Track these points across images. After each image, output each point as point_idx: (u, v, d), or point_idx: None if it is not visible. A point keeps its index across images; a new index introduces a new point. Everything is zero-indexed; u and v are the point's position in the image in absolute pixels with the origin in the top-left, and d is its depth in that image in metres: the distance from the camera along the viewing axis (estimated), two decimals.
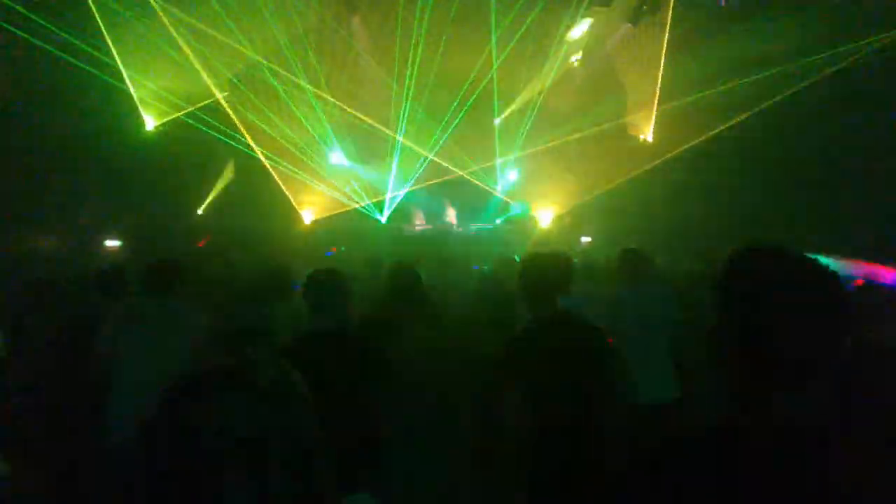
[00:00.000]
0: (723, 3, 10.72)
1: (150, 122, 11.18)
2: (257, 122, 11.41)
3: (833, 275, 1.13)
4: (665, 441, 1.21)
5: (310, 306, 3.21)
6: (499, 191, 13.27)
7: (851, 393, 1.98)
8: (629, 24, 11.73)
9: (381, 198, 12.93)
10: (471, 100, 11.67)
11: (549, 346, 2.71)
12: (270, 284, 5.30)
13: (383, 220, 13.00)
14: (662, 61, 11.61)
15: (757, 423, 1.10)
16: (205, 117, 11.11)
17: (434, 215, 13.34)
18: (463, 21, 10.33)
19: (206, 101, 11.19)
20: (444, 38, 10.49)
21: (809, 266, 1.14)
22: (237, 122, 11.35)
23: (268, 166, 11.65)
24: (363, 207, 12.91)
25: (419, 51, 10.74)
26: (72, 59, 9.16)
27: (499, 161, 13.10)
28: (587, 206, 12.52)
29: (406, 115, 11.62)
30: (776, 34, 9.87)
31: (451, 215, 13.09)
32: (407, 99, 11.42)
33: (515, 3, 10.15)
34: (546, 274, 3.04)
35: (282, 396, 0.95)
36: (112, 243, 10.48)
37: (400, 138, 11.90)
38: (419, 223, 13.23)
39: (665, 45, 11.41)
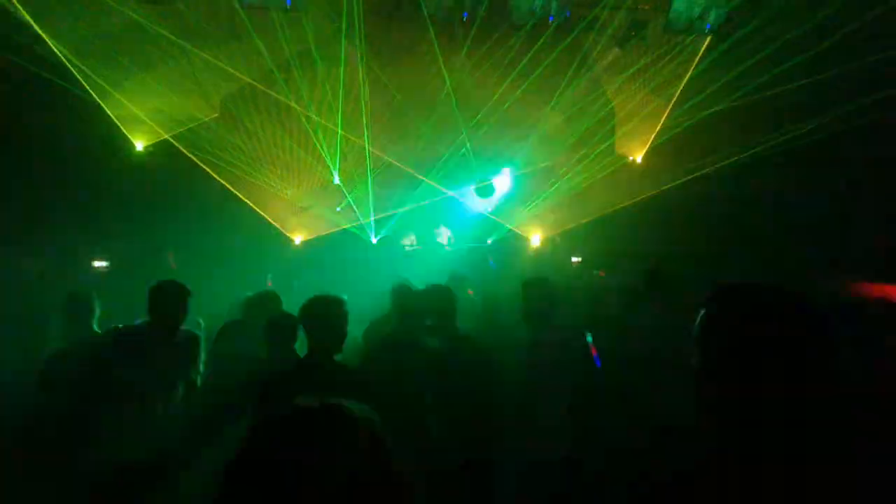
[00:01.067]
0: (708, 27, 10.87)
1: (140, 143, 11.18)
2: (248, 142, 11.42)
3: (808, 307, 1.12)
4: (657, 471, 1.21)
5: (306, 333, 3.29)
6: (489, 211, 13.33)
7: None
8: (617, 48, 11.92)
9: (370, 218, 12.92)
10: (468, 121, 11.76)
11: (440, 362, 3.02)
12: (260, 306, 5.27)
13: (374, 240, 12.99)
14: (651, 85, 11.80)
15: (743, 455, 1.10)
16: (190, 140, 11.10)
17: (424, 236, 13.34)
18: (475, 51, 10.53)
19: (197, 122, 11.20)
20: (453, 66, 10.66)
21: (786, 302, 1.13)
22: (225, 144, 11.35)
23: (235, 193, 11.55)
24: (353, 228, 12.89)
25: (427, 76, 10.87)
26: (61, 82, 9.16)
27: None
28: (578, 227, 12.60)
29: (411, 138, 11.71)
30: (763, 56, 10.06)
31: (440, 235, 13.10)
32: (407, 124, 11.51)
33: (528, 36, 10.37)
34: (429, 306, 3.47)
35: (374, 428, 1.00)
36: (100, 264, 10.37)
37: (410, 169, 11.96)
38: (409, 243, 13.22)
39: (654, 69, 11.60)
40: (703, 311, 1.25)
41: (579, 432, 3.66)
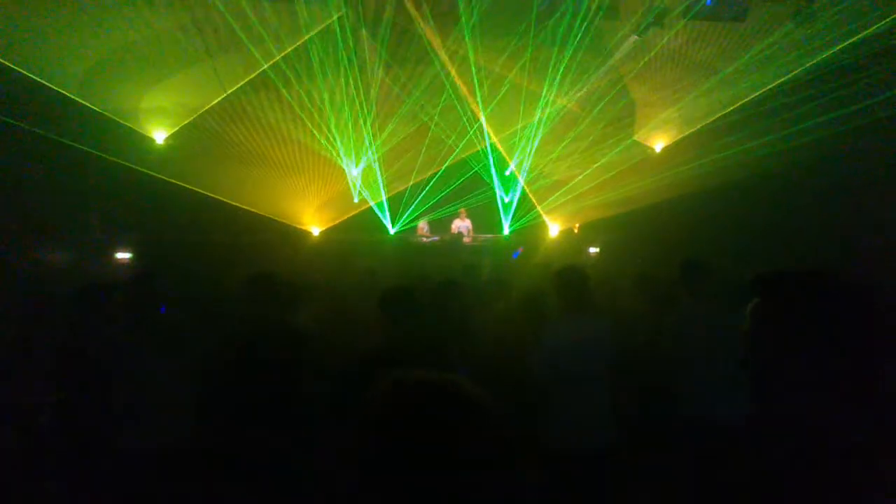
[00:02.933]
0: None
1: (160, 136, 11.24)
2: (264, 122, 11.38)
3: (862, 290, 1.12)
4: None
5: None
6: (510, 199, 13.26)
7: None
8: (636, 36, 11.79)
9: (391, 194, 12.90)
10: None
11: None
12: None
13: (392, 230, 12.92)
14: (669, 73, 11.69)
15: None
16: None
17: (442, 225, 13.24)
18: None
19: (209, 104, 11.17)
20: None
21: (837, 286, 1.13)
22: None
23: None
24: (372, 208, 12.80)
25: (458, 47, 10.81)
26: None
27: (511, 168, 13.12)
28: (597, 217, 12.55)
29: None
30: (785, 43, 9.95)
31: (459, 226, 12.99)
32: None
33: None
34: None
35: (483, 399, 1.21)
36: (123, 255, 10.46)
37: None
38: (426, 234, 13.11)
39: (672, 57, 11.50)
40: (753, 301, 1.23)
41: (618, 423, 3.63)
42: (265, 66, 10.63)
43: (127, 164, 10.15)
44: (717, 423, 3.32)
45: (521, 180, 13.03)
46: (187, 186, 10.88)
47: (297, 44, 10.64)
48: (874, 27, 8.75)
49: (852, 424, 1.14)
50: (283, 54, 10.63)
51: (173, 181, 10.70)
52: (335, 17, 10.49)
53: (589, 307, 3.74)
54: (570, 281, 3.76)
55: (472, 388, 1.22)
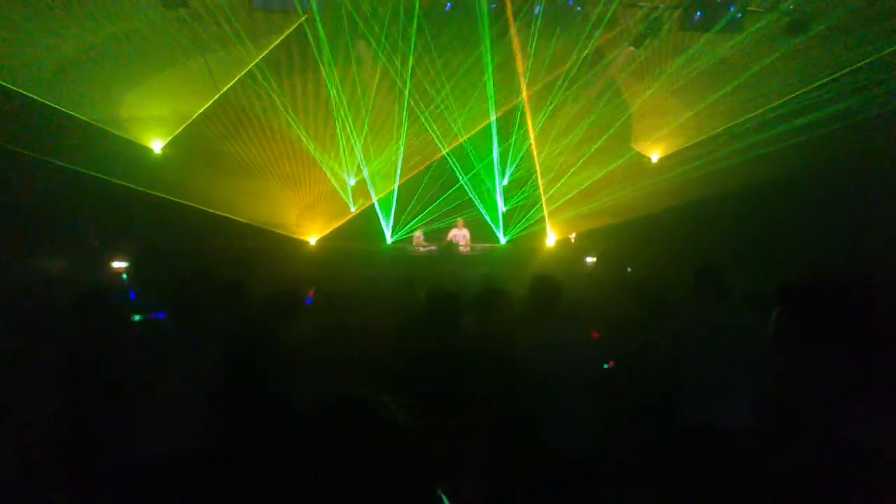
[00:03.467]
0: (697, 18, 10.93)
1: (158, 145, 11.25)
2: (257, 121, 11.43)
3: (884, 298, 1.12)
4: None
5: None
6: (504, 208, 13.28)
7: None
8: (632, 48, 11.91)
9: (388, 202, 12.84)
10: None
11: None
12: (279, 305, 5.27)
13: (389, 239, 12.87)
14: (663, 82, 11.80)
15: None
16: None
17: (437, 234, 13.22)
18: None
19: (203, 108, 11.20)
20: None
21: (861, 293, 1.13)
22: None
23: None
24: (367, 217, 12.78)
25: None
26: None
27: (505, 179, 13.15)
28: (594, 227, 12.59)
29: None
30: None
31: (457, 235, 12.94)
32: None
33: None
34: None
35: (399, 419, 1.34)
36: (119, 265, 10.42)
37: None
38: (423, 244, 13.07)
39: (666, 67, 11.62)
40: (777, 311, 1.22)
41: (600, 431, 3.60)
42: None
43: (119, 182, 10.18)
44: (724, 430, 3.28)
45: (519, 190, 13.10)
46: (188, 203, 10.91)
47: (276, 43, 10.74)
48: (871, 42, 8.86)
49: (876, 430, 1.12)
50: (264, 53, 10.73)
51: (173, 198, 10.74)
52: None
53: (564, 315, 3.76)
54: (542, 290, 3.81)
55: (390, 407, 1.34)
